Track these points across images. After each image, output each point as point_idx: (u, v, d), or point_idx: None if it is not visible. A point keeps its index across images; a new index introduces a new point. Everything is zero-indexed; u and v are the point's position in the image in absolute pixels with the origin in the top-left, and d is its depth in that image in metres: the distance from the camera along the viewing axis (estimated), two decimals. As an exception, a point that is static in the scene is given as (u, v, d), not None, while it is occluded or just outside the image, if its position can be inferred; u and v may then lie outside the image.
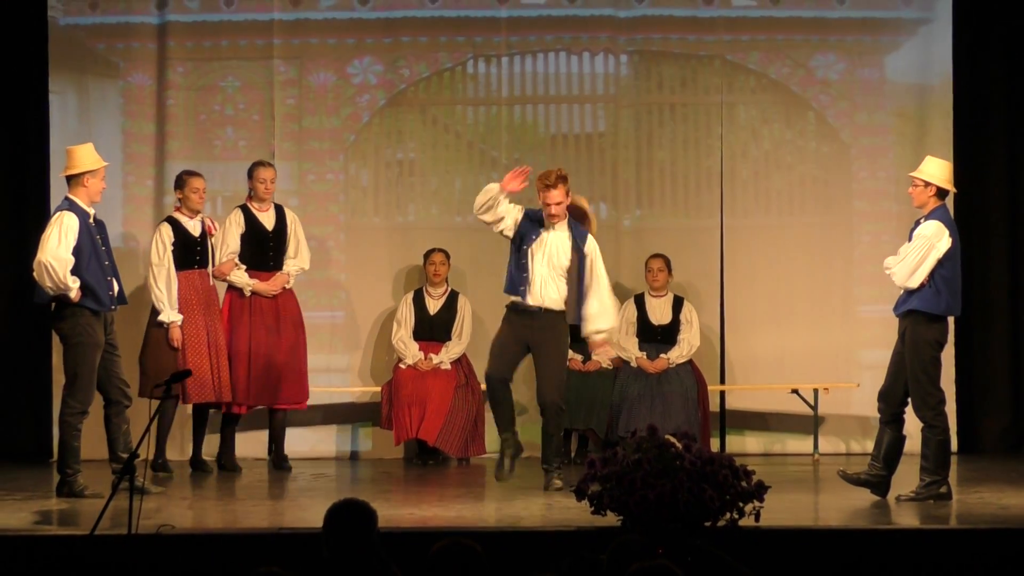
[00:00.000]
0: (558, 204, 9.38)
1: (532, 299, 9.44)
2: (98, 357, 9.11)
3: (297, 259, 10.86)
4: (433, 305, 11.30)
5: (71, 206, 9.08)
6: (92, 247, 9.07)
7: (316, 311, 11.57)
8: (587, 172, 11.73)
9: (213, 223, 10.71)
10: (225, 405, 10.64)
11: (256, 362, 10.63)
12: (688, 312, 11.30)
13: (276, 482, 10.25)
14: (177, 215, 10.55)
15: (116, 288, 9.23)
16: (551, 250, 9.44)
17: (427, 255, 11.33)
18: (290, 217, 10.92)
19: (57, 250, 8.93)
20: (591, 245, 9.51)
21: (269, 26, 11.65)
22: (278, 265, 10.81)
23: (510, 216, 9.47)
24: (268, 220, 10.83)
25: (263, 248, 10.76)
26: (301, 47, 11.70)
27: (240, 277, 10.66)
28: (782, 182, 11.79)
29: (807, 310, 11.68)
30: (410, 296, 11.37)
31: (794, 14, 11.76)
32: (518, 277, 9.48)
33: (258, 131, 11.67)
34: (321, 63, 11.69)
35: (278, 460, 10.81)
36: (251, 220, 10.78)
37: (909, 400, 8.88)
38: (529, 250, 9.45)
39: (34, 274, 9.06)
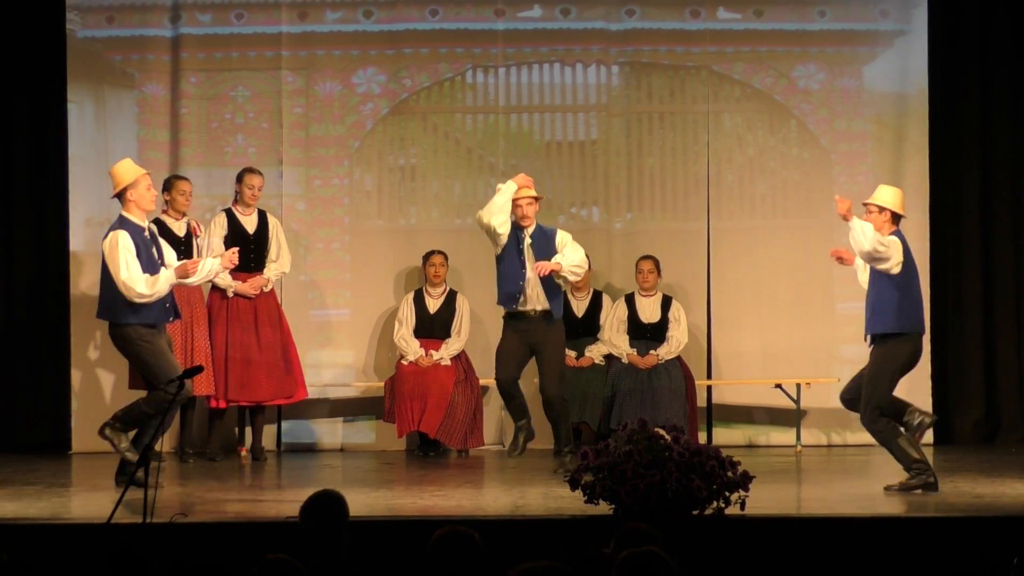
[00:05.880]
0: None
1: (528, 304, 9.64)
2: (163, 347, 8.77)
3: (278, 263, 10.81)
4: (433, 304, 11.24)
5: (122, 223, 8.78)
6: (148, 261, 8.77)
7: (321, 309, 11.56)
8: (580, 178, 11.71)
9: (198, 225, 10.65)
10: (210, 399, 10.60)
11: (233, 360, 10.57)
12: (676, 311, 11.26)
13: (282, 473, 10.23)
14: (163, 216, 10.47)
15: (170, 301, 8.92)
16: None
17: (427, 257, 11.28)
18: (272, 222, 10.86)
19: (127, 272, 8.62)
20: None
21: (277, 38, 11.60)
22: (259, 267, 10.75)
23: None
24: (250, 224, 10.76)
25: (244, 251, 10.67)
26: (308, 58, 11.65)
27: (224, 279, 10.52)
28: (765, 186, 11.75)
29: (789, 308, 11.65)
30: (411, 296, 11.32)
31: (777, 27, 11.73)
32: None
33: (267, 138, 11.62)
34: (327, 73, 11.65)
35: (255, 452, 10.76)
36: (234, 223, 10.72)
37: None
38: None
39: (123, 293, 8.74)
